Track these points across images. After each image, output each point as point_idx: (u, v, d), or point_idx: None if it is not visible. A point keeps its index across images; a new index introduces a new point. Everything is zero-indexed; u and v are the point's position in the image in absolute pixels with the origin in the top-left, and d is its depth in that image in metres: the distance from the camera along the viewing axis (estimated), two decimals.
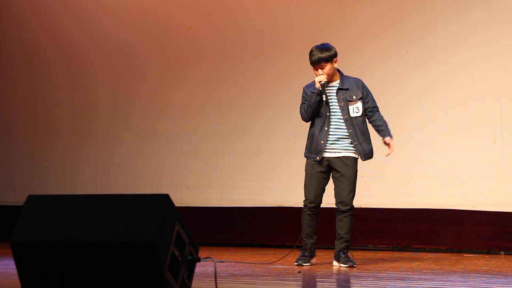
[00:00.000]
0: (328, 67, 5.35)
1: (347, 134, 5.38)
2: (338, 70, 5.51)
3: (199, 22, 8.23)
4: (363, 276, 4.85)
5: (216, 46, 8.15)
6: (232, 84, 8.03)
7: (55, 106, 8.79)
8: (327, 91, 5.38)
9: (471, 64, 7.08)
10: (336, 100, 5.39)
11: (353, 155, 5.44)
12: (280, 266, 5.52)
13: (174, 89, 8.28)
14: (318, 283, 4.68)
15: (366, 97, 5.44)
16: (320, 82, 5.31)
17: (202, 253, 3.52)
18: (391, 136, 5.42)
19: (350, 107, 5.38)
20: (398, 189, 7.23)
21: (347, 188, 5.40)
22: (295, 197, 7.68)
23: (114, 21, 8.62)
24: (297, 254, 5.68)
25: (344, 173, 5.40)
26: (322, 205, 5.54)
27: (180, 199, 7.61)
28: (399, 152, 7.25)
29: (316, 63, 5.34)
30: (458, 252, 6.97)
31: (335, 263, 5.51)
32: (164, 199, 3.31)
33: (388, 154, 5.43)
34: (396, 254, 6.88)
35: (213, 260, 3.55)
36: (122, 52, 8.56)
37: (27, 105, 8.92)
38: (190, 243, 3.43)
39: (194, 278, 3.51)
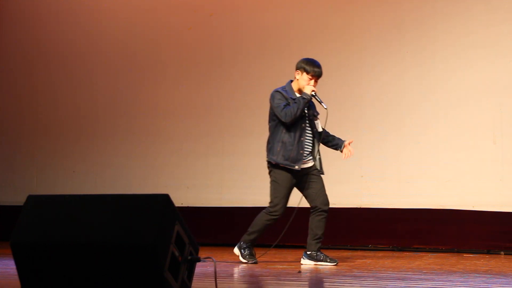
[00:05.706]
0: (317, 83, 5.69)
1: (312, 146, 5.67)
2: None
3: (199, 22, 8.22)
4: (363, 276, 4.85)
5: (216, 46, 8.14)
6: (232, 84, 8.03)
7: (55, 106, 8.79)
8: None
9: (471, 64, 7.07)
10: (307, 114, 5.67)
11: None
12: (280, 266, 5.52)
13: (174, 89, 8.27)
14: (318, 283, 4.68)
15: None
16: (313, 91, 5.60)
17: (202, 253, 3.52)
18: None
19: (315, 122, 5.73)
20: (398, 189, 7.23)
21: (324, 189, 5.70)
22: (295, 197, 7.69)
23: (114, 21, 8.61)
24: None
25: (318, 179, 5.69)
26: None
27: (180, 199, 7.60)
28: (399, 152, 7.28)
29: (319, 76, 5.66)
30: (458, 252, 6.97)
31: (308, 261, 5.63)
32: (164, 199, 3.31)
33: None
34: (396, 254, 6.88)
35: (213, 260, 3.55)
36: (122, 52, 8.56)
37: (27, 105, 8.91)
38: (190, 243, 3.43)
39: (194, 278, 3.51)
